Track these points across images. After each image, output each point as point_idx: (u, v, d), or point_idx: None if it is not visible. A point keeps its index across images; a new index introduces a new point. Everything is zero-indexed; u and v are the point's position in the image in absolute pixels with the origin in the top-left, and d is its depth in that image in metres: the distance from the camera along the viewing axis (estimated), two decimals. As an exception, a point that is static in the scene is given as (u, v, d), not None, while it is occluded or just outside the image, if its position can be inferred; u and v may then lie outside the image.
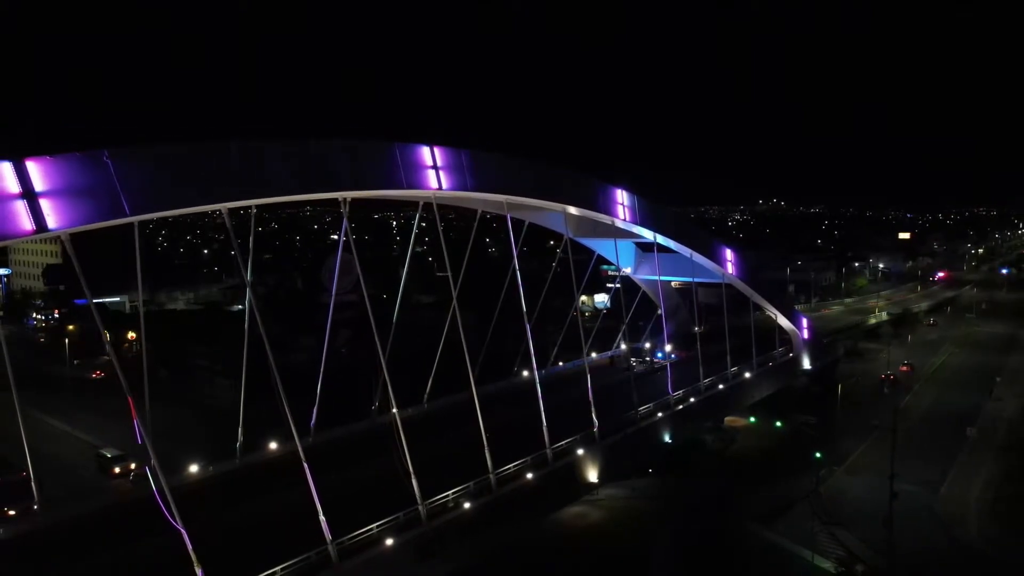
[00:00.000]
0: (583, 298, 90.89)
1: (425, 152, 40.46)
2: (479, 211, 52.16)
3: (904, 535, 49.60)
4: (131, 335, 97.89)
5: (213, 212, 34.69)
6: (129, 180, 27.35)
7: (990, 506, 56.13)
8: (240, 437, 43.88)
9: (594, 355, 73.10)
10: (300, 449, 32.26)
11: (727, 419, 74.91)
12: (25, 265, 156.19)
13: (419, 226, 61.61)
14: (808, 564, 46.49)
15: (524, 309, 46.40)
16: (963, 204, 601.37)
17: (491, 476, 40.02)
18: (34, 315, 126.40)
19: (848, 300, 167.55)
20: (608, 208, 56.25)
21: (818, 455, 60.54)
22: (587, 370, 50.01)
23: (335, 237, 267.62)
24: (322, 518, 31.61)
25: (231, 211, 32.92)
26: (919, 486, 57.57)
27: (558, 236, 65.99)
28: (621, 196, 57.29)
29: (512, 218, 49.14)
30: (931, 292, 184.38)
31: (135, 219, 28.30)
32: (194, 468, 42.72)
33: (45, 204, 25.24)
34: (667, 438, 56.64)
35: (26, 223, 24.90)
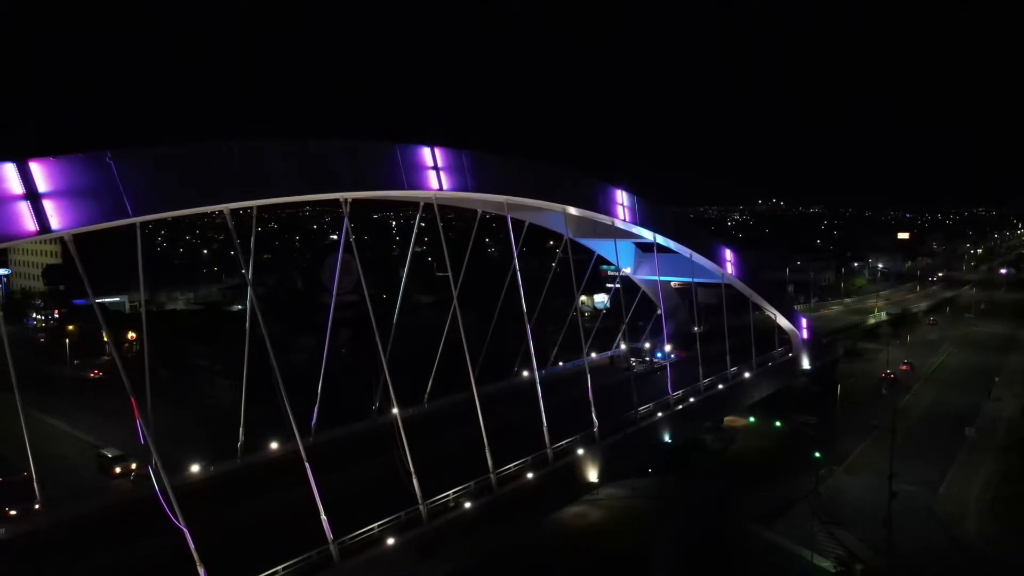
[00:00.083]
0: (583, 298, 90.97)
1: (426, 153, 40.56)
2: (479, 211, 52.26)
3: (903, 535, 49.73)
4: (131, 335, 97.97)
5: (213, 212, 34.74)
6: (131, 181, 27.46)
7: (989, 506, 56.24)
8: (241, 437, 43.96)
9: (594, 355, 73.17)
10: (302, 449, 32.35)
11: (727, 419, 75.04)
12: (25, 265, 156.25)
13: (418, 226, 61.76)
14: (808, 564, 46.57)
15: (524, 309, 46.52)
16: (962, 204, 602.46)
17: (492, 476, 40.10)
18: (34, 315, 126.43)
19: (847, 300, 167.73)
20: (608, 208, 56.36)
21: (818, 455, 60.65)
22: (587, 370, 50.11)
23: (334, 237, 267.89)
24: (323, 517, 31.70)
25: (231, 211, 32.99)
26: (918, 486, 57.70)
27: (558, 236, 66.10)
28: (621, 196, 57.40)
29: (512, 218, 49.26)
30: (930, 292, 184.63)
31: (137, 220, 28.37)
32: (195, 468, 42.78)
33: (48, 205, 25.34)
34: (667, 438, 56.73)
35: (30, 224, 25.00)
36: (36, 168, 25.20)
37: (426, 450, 38.18)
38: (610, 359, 76.77)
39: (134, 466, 54.01)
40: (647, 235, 62.73)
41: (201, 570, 28.24)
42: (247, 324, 40.26)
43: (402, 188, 39.79)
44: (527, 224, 58.41)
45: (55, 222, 25.50)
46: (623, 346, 78.78)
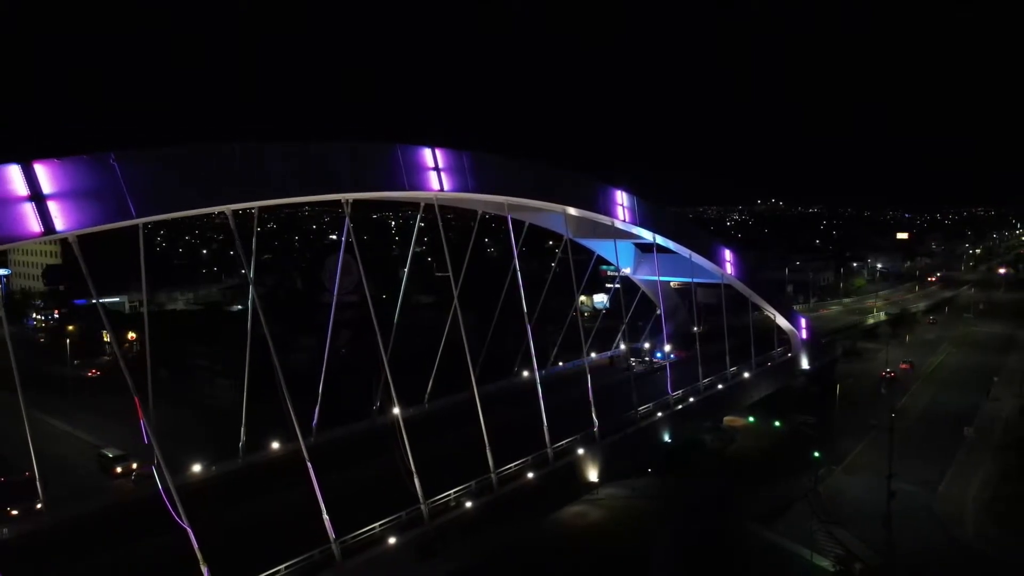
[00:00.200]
0: (583, 298, 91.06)
1: (427, 154, 40.66)
2: (479, 212, 52.40)
3: (902, 534, 49.98)
4: (131, 335, 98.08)
5: (213, 213, 34.85)
6: (135, 182, 27.55)
7: (987, 505, 56.38)
8: (243, 437, 44.09)
9: (594, 355, 73.29)
10: (304, 449, 32.49)
11: (726, 419, 75.20)
12: (25, 266, 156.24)
13: (418, 227, 61.88)
14: (807, 563, 46.71)
15: (525, 309, 46.64)
16: (961, 204, 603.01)
17: (492, 475, 40.20)
18: (34, 315, 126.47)
19: (846, 300, 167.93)
20: (608, 209, 56.50)
21: (817, 455, 60.84)
22: (587, 370, 50.25)
23: (333, 237, 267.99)
24: (325, 517, 31.82)
25: (232, 212, 33.08)
26: (917, 485, 57.88)
27: (557, 236, 66.23)
28: (621, 197, 57.53)
29: (512, 219, 49.37)
30: (929, 292, 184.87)
31: (140, 221, 28.48)
32: (197, 468, 42.91)
33: (53, 206, 25.42)
34: (667, 438, 56.86)
35: (34, 225, 25.10)
36: (40, 169, 25.30)
37: (427, 450, 38.26)
38: (610, 359, 76.92)
39: (135, 466, 54.12)
40: (647, 235, 62.87)
41: (204, 569, 28.34)
42: (248, 324, 40.37)
43: (403, 189, 39.87)
44: (527, 224, 58.55)
45: (59, 223, 25.59)
46: (623, 346, 78.94)
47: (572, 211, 54.57)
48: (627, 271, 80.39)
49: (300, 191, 35.51)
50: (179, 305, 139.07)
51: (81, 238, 27.33)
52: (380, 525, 34.24)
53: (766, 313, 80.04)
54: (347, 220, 39.67)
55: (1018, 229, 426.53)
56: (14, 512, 40.72)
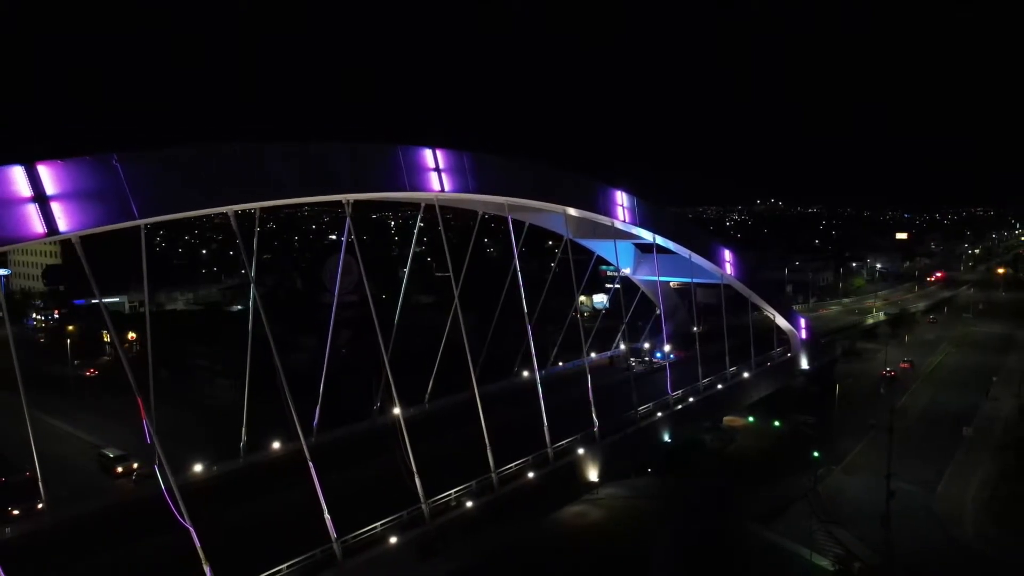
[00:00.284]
0: (582, 298, 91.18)
1: (427, 154, 40.75)
2: (480, 212, 52.50)
3: (901, 533, 50.12)
4: (131, 335, 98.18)
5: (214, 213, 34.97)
6: (137, 183, 27.64)
7: (986, 505, 56.52)
8: (244, 437, 44.18)
9: (593, 355, 73.41)
10: (306, 449, 32.59)
11: (726, 419, 75.35)
12: (24, 266, 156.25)
13: (418, 227, 62.00)
14: (807, 563, 46.83)
15: (525, 310, 46.74)
16: (961, 204, 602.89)
17: (493, 475, 40.30)
18: (34, 315, 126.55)
19: (846, 300, 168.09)
20: (608, 209, 56.61)
21: (816, 454, 60.96)
22: (587, 370, 50.37)
23: (333, 237, 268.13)
24: (327, 516, 31.93)
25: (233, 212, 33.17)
26: (916, 485, 58.03)
27: (557, 237, 66.32)
28: (621, 197, 57.64)
29: (512, 219, 49.48)
30: (928, 292, 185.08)
31: (142, 222, 28.58)
32: (198, 468, 43.00)
33: (56, 207, 25.51)
34: (666, 438, 56.96)
35: (38, 226, 25.19)
36: (44, 170, 25.37)
37: (427, 450, 38.36)
38: (610, 359, 77.03)
39: (135, 466, 54.26)
40: (646, 236, 62.97)
41: (207, 568, 28.44)
42: (250, 324, 40.45)
43: (404, 189, 39.95)
44: (527, 225, 58.67)
45: (63, 224, 25.67)
46: (622, 346, 79.04)
47: (572, 211, 54.68)
48: (627, 271, 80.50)
49: (301, 191, 35.58)
50: (179, 305, 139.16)
51: (82, 239, 27.44)
52: (381, 524, 34.34)
53: (766, 313, 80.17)
54: (348, 220, 39.77)
55: (1017, 229, 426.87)
56: (15, 512, 40.89)
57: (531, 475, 42.58)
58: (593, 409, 48.51)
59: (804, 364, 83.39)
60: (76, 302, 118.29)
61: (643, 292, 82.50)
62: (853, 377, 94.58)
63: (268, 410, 38.38)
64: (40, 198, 25.19)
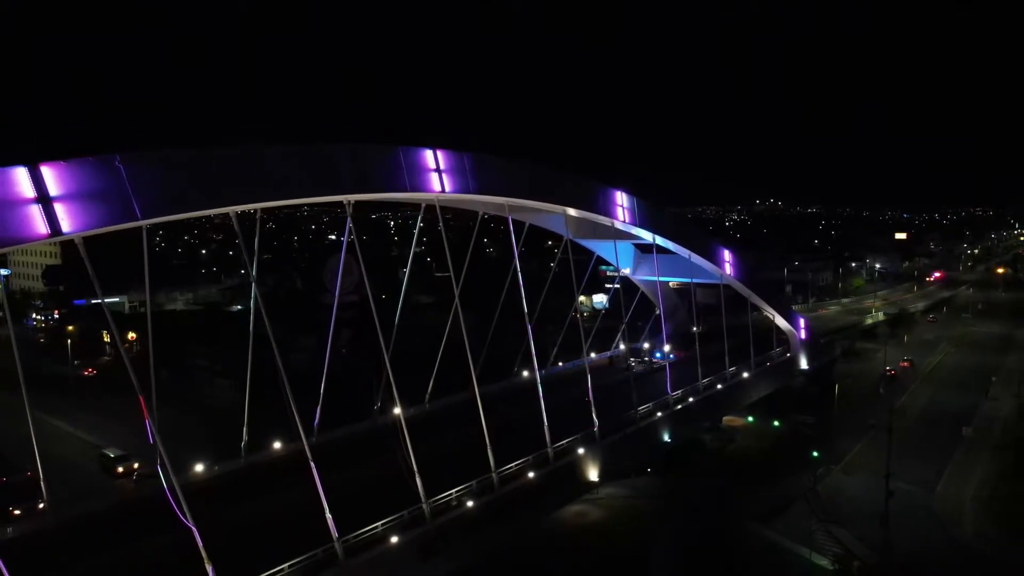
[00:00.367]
0: (582, 299, 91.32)
1: (428, 155, 40.88)
2: (480, 213, 52.60)
3: (901, 533, 50.20)
4: (131, 335, 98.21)
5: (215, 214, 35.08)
6: (140, 184, 27.76)
7: (986, 504, 56.64)
8: (245, 436, 44.27)
9: (593, 355, 73.53)
10: (307, 449, 32.69)
11: (725, 419, 75.44)
12: (24, 266, 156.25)
13: (418, 227, 62.12)
14: (806, 562, 46.95)
15: (525, 310, 46.84)
16: (960, 204, 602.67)
17: (493, 475, 40.40)
18: (33, 315, 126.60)
19: (845, 300, 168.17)
20: (608, 210, 56.72)
21: (815, 454, 61.07)
22: (587, 370, 50.47)
23: (333, 237, 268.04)
24: (328, 516, 32.03)
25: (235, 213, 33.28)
26: (916, 485, 58.12)
27: (557, 237, 66.41)
28: (620, 198, 57.76)
29: (512, 219, 49.61)
30: (927, 292, 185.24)
31: (145, 223, 28.69)
32: (199, 467, 43.09)
33: (59, 208, 25.64)
34: (666, 437, 57.09)
35: (41, 227, 25.30)
36: (47, 171, 25.48)
37: (428, 449, 38.46)
38: (609, 359, 77.16)
39: (136, 466, 54.30)
40: (646, 236, 63.09)
41: (209, 568, 28.53)
42: (251, 324, 40.56)
43: (404, 190, 40.08)
44: (527, 225, 58.78)
45: (66, 225, 25.79)
46: (622, 346, 79.16)
47: (572, 212, 54.80)
48: (627, 271, 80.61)
49: (302, 192, 35.72)
50: (179, 305, 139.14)
51: (84, 239, 27.53)
52: (382, 524, 34.44)
53: (765, 313, 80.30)
54: (349, 221, 39.87)
55: (1016, 229, 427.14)
56: (17, 512, 40.92)
57: (531, 475, 42.69)
58: (593, 409, 48.62)
59: (803, 364, 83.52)
60: (76, 302, 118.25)
61: (643, 292, 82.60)
62: (852, 377, 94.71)
63: (269, 410, 38.49)
64: (43, 199, 25.31)
